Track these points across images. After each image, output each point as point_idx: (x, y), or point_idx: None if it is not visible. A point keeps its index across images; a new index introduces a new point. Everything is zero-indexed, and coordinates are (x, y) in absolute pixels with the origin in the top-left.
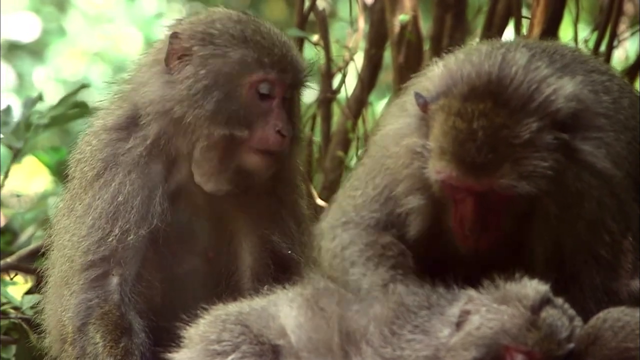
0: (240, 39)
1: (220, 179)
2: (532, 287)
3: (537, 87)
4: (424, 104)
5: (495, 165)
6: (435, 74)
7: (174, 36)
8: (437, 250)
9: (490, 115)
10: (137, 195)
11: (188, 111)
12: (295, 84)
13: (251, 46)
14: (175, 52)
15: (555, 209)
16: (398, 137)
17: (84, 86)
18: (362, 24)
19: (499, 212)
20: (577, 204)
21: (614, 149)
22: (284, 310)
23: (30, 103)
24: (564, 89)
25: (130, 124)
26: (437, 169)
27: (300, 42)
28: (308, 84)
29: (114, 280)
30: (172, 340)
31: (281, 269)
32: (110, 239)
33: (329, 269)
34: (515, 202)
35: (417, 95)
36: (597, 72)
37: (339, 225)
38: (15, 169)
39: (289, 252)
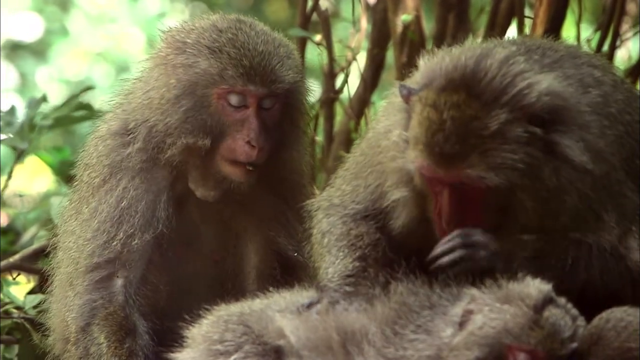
0: (210, 49)
1: (206, 186)
2: (535, 287)
3: (511, 80)
4: (406, 95)
5: (463, 155)
6: (420, 67)
7: (163, 42)
8: (428, 246)
9: (462, 106)
10: (142, 200)
11: (159, 119)
12: (272, 95)
13: (218, 57)
14: (160, 59)
15: (533, 203)
16: (387, 132)
17: (88, 88)
18: (364, 23)
19: (474, 205)
20: (558, 199)
21: (598, 144)
22: (279, 315)
23: (34, 104)
24: (540, 83)
25: (128, 129)
26: (411, 159)
27: (303, 42)
28: (297, 92)
29: (119, 282)
30: (175, 340)
31: (287, 271)
32: (114, 243)
33: (314, 252)
34: (488, 194)
35: (401, 87)
36: (589, 65)
37: (323, 209)
38: (18, 168)
39: (295, 254)
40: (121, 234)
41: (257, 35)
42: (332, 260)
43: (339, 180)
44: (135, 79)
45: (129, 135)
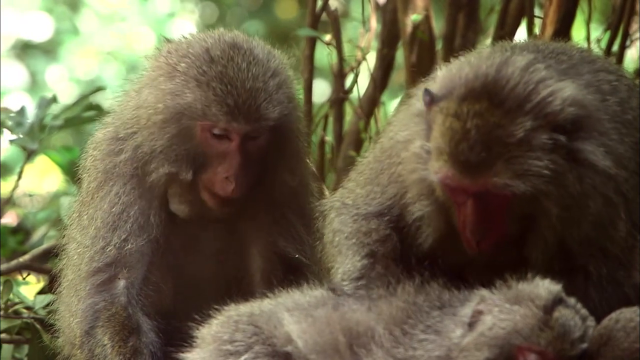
0: (197, 82)
1: (180, 204)
2: (545, 287)
3: (534, 88)
4: (428, 102)
5: (489, 164)
6: (438, 77)
7: (156, 61)
8: (448, 254)
9: (485, 115)
10: (134, 205)
11: (146, 140)
12: (256, 132)
13: (204, 92)
14: (150, 80)
15: (558, 210)
16: (407, 142)
17: (99, 89)
18: (374, 23)
19: (499, 214)
20: (581, 205)
21: (618, 150)
22: (287, 317)
23: (45, 104)
24: (563, 91)
25: (119, 138)
26: (435, 170)
27: (313, 41)
28: (286, 123)
29: (120, 283)
30: (184, 340)
31: (290, 272)
32: (110, 248)
33: (326, 254)
34: (514, 203)
35: (425, 92)
36: (605, 71)
37: (335, 208)
38: (27, 168)
39: (297, 256)
40: (115, 238)
41: (249, 68)
42: (342, 260)
43: (352, 184)
44: (127, 89)
45: (119, 143)
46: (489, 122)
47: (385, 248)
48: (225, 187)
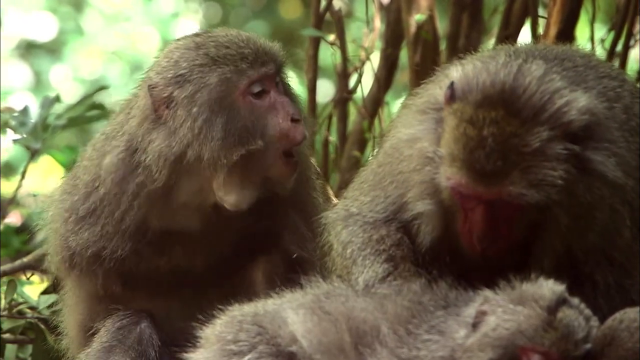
0: (209, 61)
1: (245, 194)
2: (548, 288)
3: (550, 97)
4: (449, 97)
5: (505, 173)
6: (453, 77)
7: (151, 89)
8: (447, 255)
9: (501, 123)
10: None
11: (202, 148)
12: (280, 68)
13: (222, 62)
14: (160, 102)
15: (566, 219)
16: (412, 141)
17: (102, 88)
18: (378, 23)
19: (509, 222)
20: (589, 215)
21: (625, 158)
22: (291, 317)
23: (48, 104)
24: (577, 101)
25: (134, 166)
26: (447, 176)
27: (316, 41)
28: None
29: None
30: (188, 340)
31: (293, 269)
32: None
33: (335, 266)
34: (525, 211)
35: (452, 84)
36: (608, 77)
37: (340, 219)
38: (31, 168)
39: (299, 251)
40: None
41: (229, 33)
42: (359, 270)
43: (356, 192)
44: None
45: (135, 164)
46: (505, 130)
47: (402, 251)
48: (297, 129)
